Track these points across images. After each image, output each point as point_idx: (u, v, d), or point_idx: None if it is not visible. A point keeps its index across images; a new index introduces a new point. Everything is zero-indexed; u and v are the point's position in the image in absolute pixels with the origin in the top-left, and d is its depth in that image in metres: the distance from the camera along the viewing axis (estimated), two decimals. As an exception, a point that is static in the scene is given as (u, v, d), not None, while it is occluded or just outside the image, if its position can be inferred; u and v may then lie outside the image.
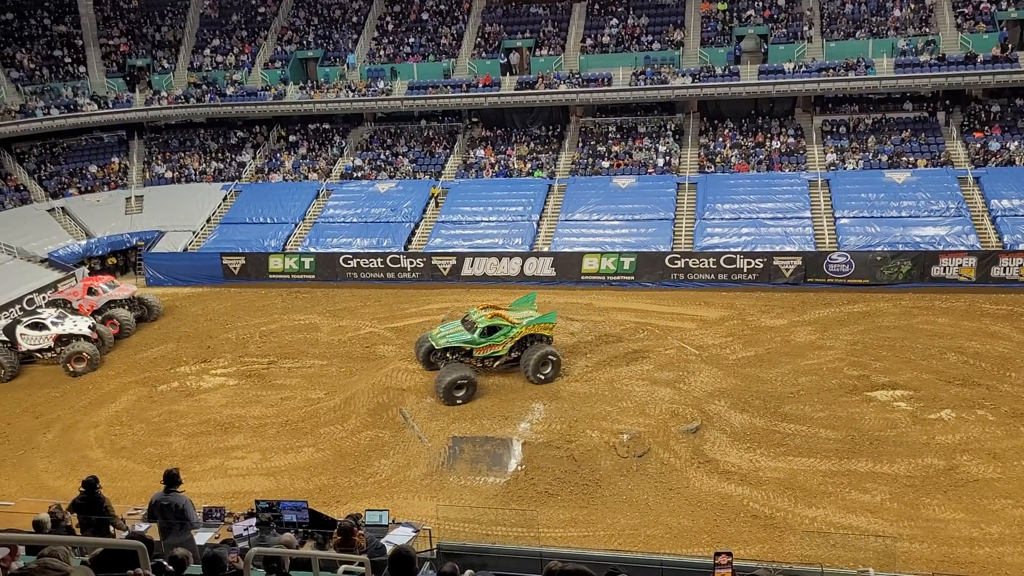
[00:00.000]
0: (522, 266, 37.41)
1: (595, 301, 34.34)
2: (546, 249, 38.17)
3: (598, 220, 39.54)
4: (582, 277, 36.88)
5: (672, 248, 37.13)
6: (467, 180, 44.71)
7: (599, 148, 44.65)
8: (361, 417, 24.39)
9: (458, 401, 23.50)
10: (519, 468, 20.65)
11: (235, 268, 40.69)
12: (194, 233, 43.56)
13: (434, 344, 24.98)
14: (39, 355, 30.85)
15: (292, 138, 50.35)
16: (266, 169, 48.09)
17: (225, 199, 46.14)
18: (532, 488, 19.96)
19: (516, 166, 44.57)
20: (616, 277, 36.56)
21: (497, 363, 25.33)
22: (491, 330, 24.97)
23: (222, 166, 48.74)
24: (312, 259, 39.98)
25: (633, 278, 36.33)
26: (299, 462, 22.62)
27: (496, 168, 44.83)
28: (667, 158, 42.88)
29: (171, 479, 13.30)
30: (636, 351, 27.22)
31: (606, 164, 43.48)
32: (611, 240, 37.96)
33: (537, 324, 25.41)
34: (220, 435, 24.56)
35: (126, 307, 35.01)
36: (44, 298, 36.42)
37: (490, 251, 38.30)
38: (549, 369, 24.56)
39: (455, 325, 25.75)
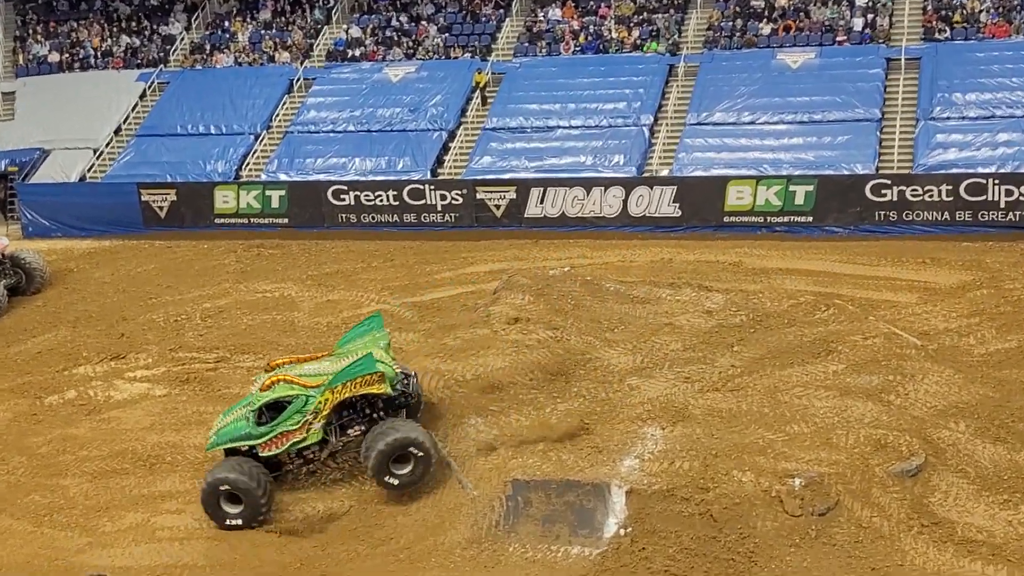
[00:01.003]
0: (625, 201, 37.35)
1: (747, 259, 34.02)
2: (665, 173, 37.96)
3: (752, 124, 39.25)
4: (725, 219, 36.81)
5: (877, 170, 36.63)
6: (532, 59, 44.61)
7: (754, 2, 44.05)
8: (365, 448, 24.64)
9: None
10: (622, 532, 20.64)
11: (161, 208, 41.46)
12: (95, 152, 44.45)
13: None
14: None
15: (248, -6, 50.83)
16: (207, 47, 48.68)
17: (144, 96, 46.94)
18: (644, 566, 19.91)
19: (615, 35, 44.29)
20: (782, 218, 36.34)
21: (319, 459, 23.35)
22: (272, 409, 23.06)
23: (138, 43, 49.43)
24: (283, 192, 40.56)
25: (811, 220, 36.06)
26: (269, 518, 22.98)
27: (582, 39, 44.60)
28: (869, 16, 42.07)
29: None
30: (816, 341, 26.90)
31: (766, 29, 42.92)
32: (774, 157, 37.67)
33: (351, 380, 22.76)
34: (142, 475, 24.98)
35: (-8, 270, 35.93)
36: None
37: (572, 177, 38.27)
38: (408, 470, 22.37)
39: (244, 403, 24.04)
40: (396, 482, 22.44)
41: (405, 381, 23.73)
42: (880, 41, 41.38)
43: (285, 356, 25.65)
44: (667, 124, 40.38)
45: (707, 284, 30.78)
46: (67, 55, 49.55)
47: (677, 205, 37.03)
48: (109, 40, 49.99)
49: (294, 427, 22.79)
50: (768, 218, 36.42)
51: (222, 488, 22.36)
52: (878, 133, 38.03)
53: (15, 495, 24.69)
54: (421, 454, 22.26)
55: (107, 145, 44.81)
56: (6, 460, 26.18)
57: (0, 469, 25.85)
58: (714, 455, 22.02)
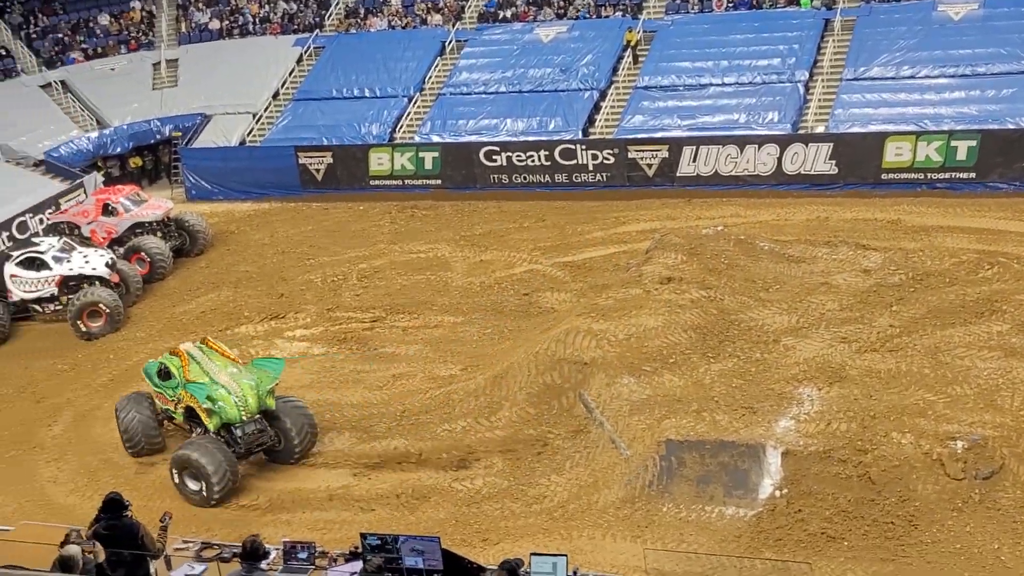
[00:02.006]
0: (779, 159, 36.85)
1: (906, 216, 33.37)
2: (821, 129, 37.35)
3: (911, 78, 38.30)
4: (883, 176, 36.09)
5: (1046, 123, 35.42)
6: (685, 17, 44.15)
7: (914, -47, 42.84)
8: (519, 407, 24.82)
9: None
10: (777, 494, 20.47)
11: (318, 170, 42.18)
12: (254, 116, 45.38)
13: None
14: (37, 307, 33.25)
15: (402, -42, 51.15)
16: (362, 11, 49.23)
17: (300, 61, 47.72)
18: (800, 528, 19.76)
19: (768, -11, 43.52)
20: (943, 174, 35.48)
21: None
22: (164, 374, 24.75)
23: (295, 8, 50.23)
24: (436, 154, 40.88)
25: (974, 176, 35.16)
26: (423, 476, 23.34)
27: (734, -6, 43.92)
28: (1036, -35, 40.54)
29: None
30: (979, 301, 26.25)
31: (926, -21, 41.68)
32: (935, 112, 36.75)
33: (192, 396, 24.14)
34: (302, 432, 25.70)
35: (159, 233, 37.16)
36: (41, 221, 39.06)
37: (725, 135, 37.88)
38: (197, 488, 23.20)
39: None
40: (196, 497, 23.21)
41: (258, 427, 24.07)
42: (1049, -13, 39.93)
43: (218, 343, 25.97)
44: (823, 80, 39.57)
45: (865, 242, 30.26)
46: (227, 22, 50.59)
47: (833, 162, 36.36)
48: (267, 6, 50.89)
49: (169, 395, 24.61)
50: (928, 174, 35.51)
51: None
52: (1047, 86, 36.77)
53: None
54: (208, 475, 22.82)
55: (265, 110, 45.70)
56: (173, 416, 27.12)
57: (166, 425, 26.75)
58: (872, 417, 21.68)
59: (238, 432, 23.74)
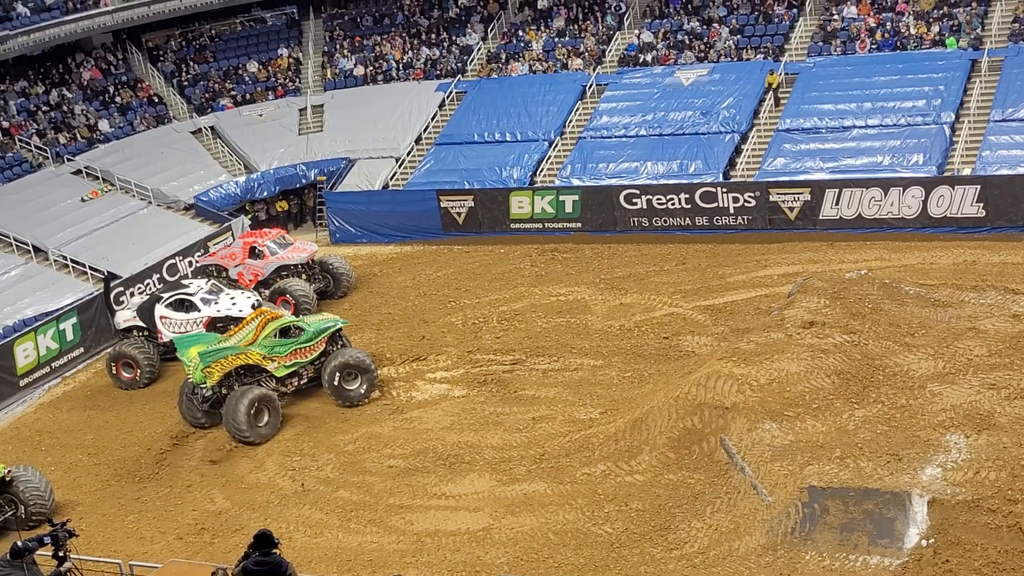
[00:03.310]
0: (924, 201, 36.25)
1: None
2: (967, 172, 36.68)
3: (1062, 119, 37.33)
4: (1036, 220, 35.10)
5: None
6: (827, 59, 43.82)
7: (1065, -8, 41.99)
8: (659, 452, 24.80)
9: None
10: (924, 543, 20.11)
11: (459, 214, 42.70)
12: (397, 160, 46.17)
13: None
14: (186, 348, 34.17)
15: (542, 3, 51.66)
16: (503, 56, 49.86)
17: (443, 105, 48.47)
18: (948, 579, 19.41)
19: (913, 31, 43.00)
20: (1098, 217, 34.41)
21: None
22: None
23: (437, 54, 51.09)
24: (576, 197, 41.08)
25: None
26: (562, 521, 23.43)
27: (879, 36, 43.49)
28: None
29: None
30: None
31: (1078, 20, 40.78)
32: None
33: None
34: (442, 474, 26.06)
35: (303, 276, 37.98)
36: (190, 263, 40.25)
37: (869, 177, 37.40)
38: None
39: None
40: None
41: None
42: None
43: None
44: (969, 121, 38.89)
45: (1014, 287, 29.59)
46: (371, 68, 51.65)
47: (981, 205, 35.64)
48: (410, 52, 51.83)
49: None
50: (1088, 220, 34.64)
51: None
52: None
53: (325, 490, 26.13)
54: None
55: (408, 154, 46.45)
56: (316, 457, 27.77)
57: (310, 465, 27.39)
58: (1023, 465, 21.17)
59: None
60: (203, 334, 31.97)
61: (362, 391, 29.91)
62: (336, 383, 29.74)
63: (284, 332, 30.26)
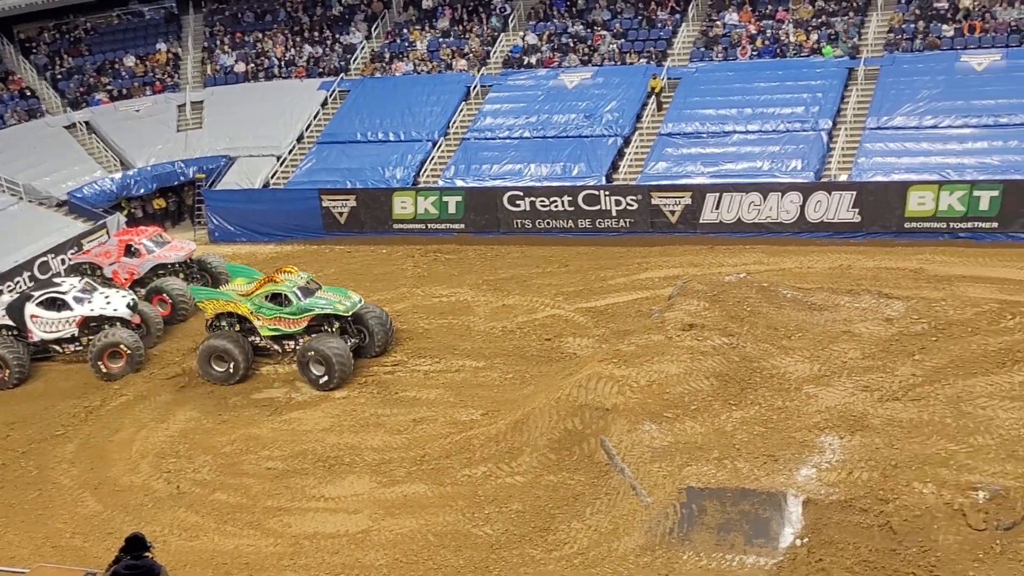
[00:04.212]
0: (803, 207, 36.93)
1: (929, 266, 33.38)
2: (844, 178, 37.44)
3: (934, 128, 38.42)
4: (906, 225, 36.17)
5: (1068, 174, 35.44)
6: (709, 64, 44.42)
7: (937, 3, 43.06)
8: (539, 453, 24.85)
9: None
10: (798, 543, 20.41)
11: (341, 213, 42.44)
12: (279, 159, 45.73)
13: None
14: (57, 348, 33.46)
15: (427, 3, 51.57)
16: (387, 55, 49.67)
17: (325, 104, 48.14)
18: (821, 577, 19.74)
19: (793, 38, 43.78)
20: (966, 224, 35.51)
21: None
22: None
23: (320, 52, 50.71)
24: (460, 199, 41.09)
25: (996, 226, 35.16)
26: (442, 522, 23.38)
27: (759, 43, 44.21)
28: (1059, 17, 40.76)
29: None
30: (1002, 351, 26.15)
31: (949, 30, 41.89)
32: (957, 162, 36.84)
33: None
34: (321, 475, 25.80)
35: (181, 275, 37.39)
36: (63, 261, 39.38)
37: (749, 182, 38.03)
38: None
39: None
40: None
41: None
42: (1073, 42, 40.15)
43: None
44: (846, 128, 39.73)
45: (887, 291, 30.22)
46: (252, 65, 51.10)
47: (856, 210, 36.43)
48: (292, 50, 51.40)
49: None
50: (951, 224, 35.56)
51: None
52: (1068, 136, 36.87)
53: (201, 492, 25.70)
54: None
55: (290, 152, 46.07)
56: (193, 459, 27.29)
57: (187, 467, 26.93)
58: (894, 466, 21.63)
59: None
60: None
61: (321, 381, 30.00)
62: (304, 360, 30.25)
63: (275, 297, 30.71)
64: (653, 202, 38.59)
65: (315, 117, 47.58)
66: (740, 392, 25.07)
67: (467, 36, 49.48)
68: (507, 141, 43.40)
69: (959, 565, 19.49)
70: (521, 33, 48.74)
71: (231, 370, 30.69)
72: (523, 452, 25.05)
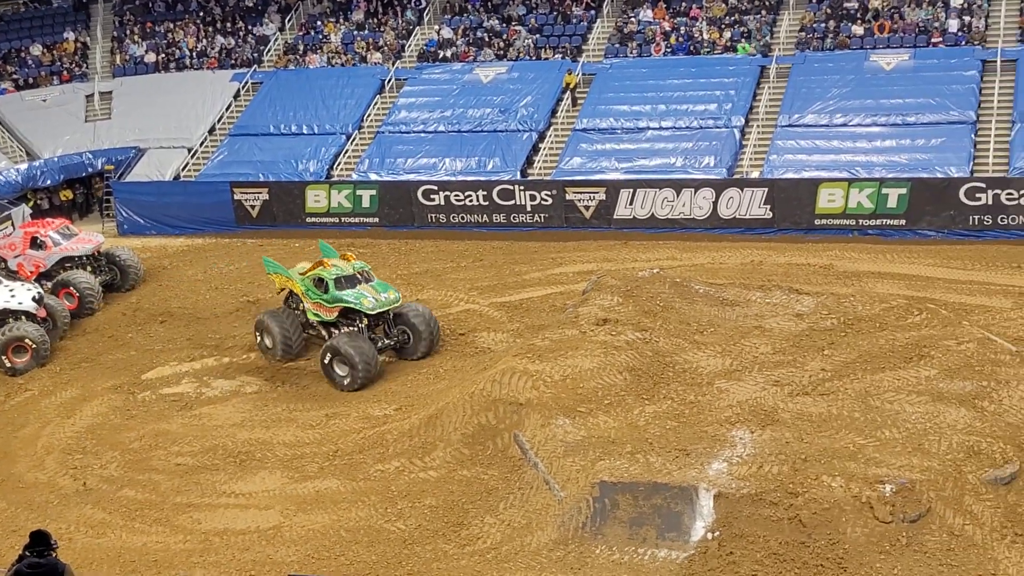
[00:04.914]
0: (715, 203, 37.25)
1: (838, 262, 33.88)
2: (756, 175, 37.81)
3: (844, 126, 38.99)
4: (816, 222, 36.63)
5: (972, 173, 36.13)
6: (623, 60, 44.62)
7: (847, 3, 43.68)
8: (453, 448, 24.80)
9: None
10: (709, 536, 20.58)
11: (253, 207, 42.08)
12: (190, 151, 45.22)
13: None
14: (-40, 342, 32.74)
15: (341, -5, 51.31)
16: (301, 47, 49.28)
17: (238, 96, 47.66)
18: (732, 570, 19.82)
19: (706, 36, 44.16)
20: (874, 221, 36.09)
21: None
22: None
23: (233, 43, 50.20)
24: (374, 192, 40.95)
25: (904, 223, 35.76)
26: (354, 518, 23.28)
27: (673, 40, 44.51)
28: (965, 18, 41.51)
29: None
30: (909, 346, 26.55)
31: (859, 30, 42.50)
32: (866, 160, 37.39)
33: None
34: (232, 471, 25.50)
35: (89, 268, 36.78)
36: (-34, 254, 38.56)
37: (662, 178, 38.25)
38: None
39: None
40: None
41: None
42: (975, 43, 40.87)
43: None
44: (758, 126, 40.18)
45: (798, 287, 30.53)
46: (163, 55, 50.47)
47: (768, 207, 36.87)
48: (204, 41, 50.84)
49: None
50: (860, 221, 36.14)
51: None
52: (973, 136, 37.55)
53: (108, 489, 25.31)
54: None
55: (201, 144, 45.59)
56: (100, 455, 26.84)
57: (93, 463, 26.49)
58: (803, 459, 21.85)
59: None
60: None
61: (346, 382, 29.12)
62: (326, 362, 29.35)
63: (319, 282, 30.09)
64: (568, 197, 38.74)
65: (227, 109, 47.13)
66: (653, 387, 25.21)
67: (382, 29, 49.28)
68: (422, 135, 43.32)
69: (866, 557, 19.79)
70: (436, 27, 48.64)
71: (268, 344, 30.86)
72: (437, 447, 24.99)
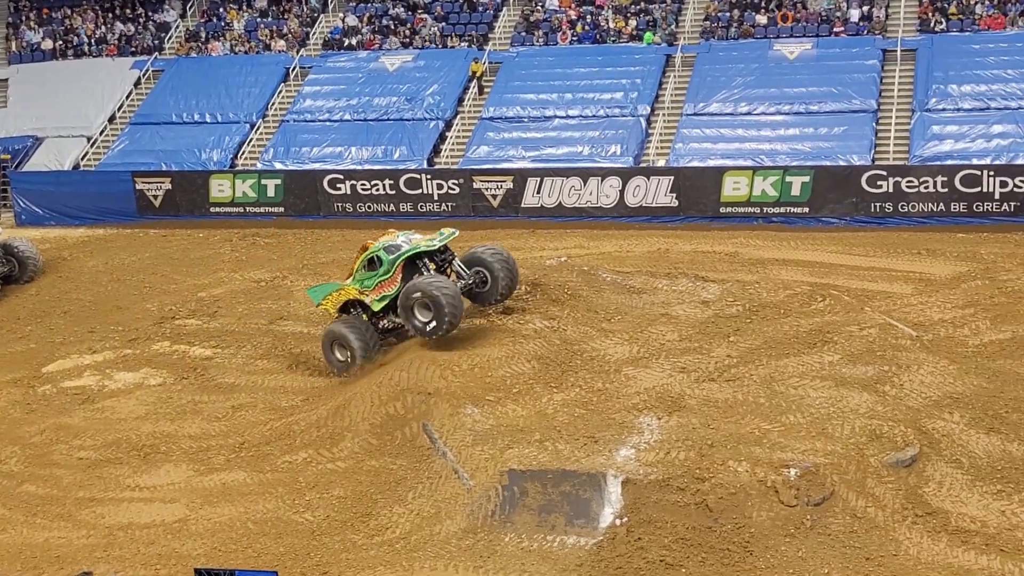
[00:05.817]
0: (622, 191, 37.52)
1: (743, 249, 34.25)
2: (662, 164, 38.13)
3: (748, 115, 39.46)
4: (722, 210, 37.04)
5: (873, 161, 36.75)
6: (530, 49, 44.74)
7: (751, -7, 44.26)
8: (361, 438, 24.70)
9: None
10: (618, 522, 20.73)
11: (156, 196, 41.58)
12: (90, 140, 44.55)
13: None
14: None
15: (244, -18, 50.84)
16: (203, 35, 48.70)
17: (138, 84, 47.04)
18: (640, 556, 19.97)
19: (612, 24, 44.41)
20: (779, 209, 36.58)
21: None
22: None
23: (132, 30, 49.49)
24: (279, 181, 40.66)
25: (807, 211, 36.25)
26: (262, 510, 23.11)
27: (579, 28, 44.70)
28: (866, 7, 42.23)
29: None
30: (812, 332, 26.98)
31: (763, 19, 43.01)
32: (770, 148, 37.87)
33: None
34: (136, 465, 25.12)
35: (-15, 260, 36.03)
36: None
37: (569, 167, 38.45)
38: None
39: None
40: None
41: None
42: (876, 32, 41.63)
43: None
44: (664, 114, 40.51)
45: (703, 274, 30.86)
46: (60, 42, 49.60)
47: (674, 195, 37.19)
48: (103, 27, 50.04)
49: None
50: (764, 209, 36.60)
51: None
52: (874, 124, 38.25)
53: (9, 485, 24.85)
54: None
55: (101, 133, 44.93)
56: None
57: (-7, 458, 26.04)
58: (710, 445, 22.08)
59: None
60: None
61: (429, 327, 26.19)
62: (408, 304, 26.26)
63: (370, 264, 28.00)
64: (475, 186, 38.79)
65: (128, 97, 46.48)
66: (561, 375, 25.33)
67: (285, 17, 48.87)
68: (327, 124, 43.10)
69: (772, 540, 20.04)
70: (341, 14, 48.35)
71: (341, 357, 27.99)
72: (344, 437, 24.89)
